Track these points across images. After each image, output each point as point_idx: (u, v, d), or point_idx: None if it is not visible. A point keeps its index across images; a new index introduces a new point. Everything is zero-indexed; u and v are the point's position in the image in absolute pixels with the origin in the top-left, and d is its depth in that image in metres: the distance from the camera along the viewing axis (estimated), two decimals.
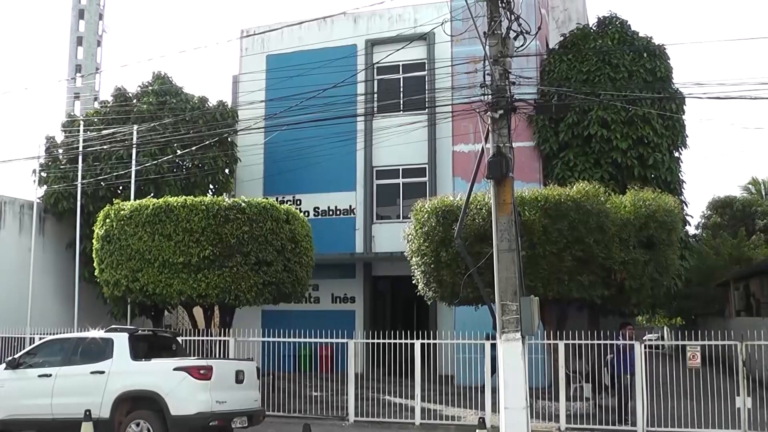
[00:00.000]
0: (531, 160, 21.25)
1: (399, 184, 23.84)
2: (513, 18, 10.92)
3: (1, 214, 22.42)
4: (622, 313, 18.52)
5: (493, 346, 13.14)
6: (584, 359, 15.62)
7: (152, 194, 19.77)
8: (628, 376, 14.68)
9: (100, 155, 21.97)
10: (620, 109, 20.09)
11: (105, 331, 12.45)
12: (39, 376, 12.08)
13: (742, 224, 40.25)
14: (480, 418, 12.10)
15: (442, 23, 14.03)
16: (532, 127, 21.44)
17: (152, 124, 21.42)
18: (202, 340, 16.80)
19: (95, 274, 17.92)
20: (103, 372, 11.59)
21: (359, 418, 15.45)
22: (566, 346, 14.70)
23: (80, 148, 21.63)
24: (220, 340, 16.65)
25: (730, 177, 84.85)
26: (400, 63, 23.45)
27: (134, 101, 24.01)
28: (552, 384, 15.67)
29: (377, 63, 22.39)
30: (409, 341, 15.27)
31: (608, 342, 14.95)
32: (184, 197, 17.11)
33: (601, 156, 20.52)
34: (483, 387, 14.79)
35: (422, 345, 15.24)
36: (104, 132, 21.68)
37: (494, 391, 13.50)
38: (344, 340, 16.21)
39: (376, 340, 16.13)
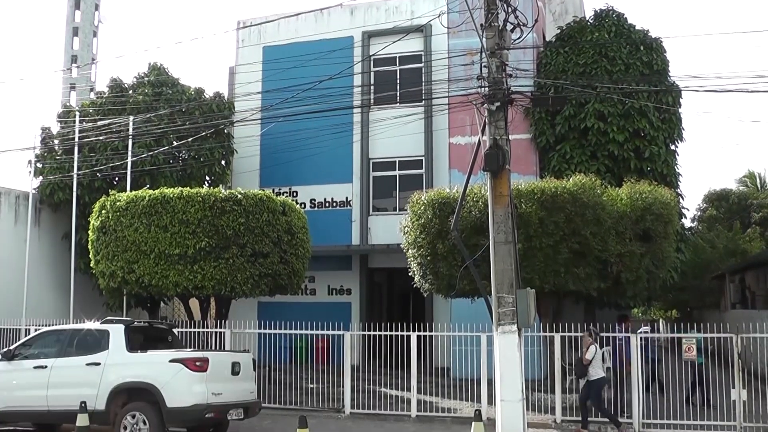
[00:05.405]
0: (528, 153, 21.23)
1: (395, 176, 23.80)
2: (510, 10, 10.91)
3: None
4: (618, 306, 18.56)
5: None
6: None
7: (148, 185, 19.73)
8: (624, 368, 14.73)
9: (95, 146, 21.91)
10: (617, 102, 20.07)
11: (101, 323, 12.41)
12: (34, 367, 12.06)
13: (737, 217, 40.36)
14: (476, 410, 12.07)
15: (439, 15, 13.95)
16: (529, 119, 21.40)
17: (148, 115, 21.38)
18: (198, 332, 16.80)
19: (91, 265, 17.89)
20: (98, 364, 11.58)
21: (355, 410, 15.47)
22: (562, 338, 14.72)
23: (76, 139, 21.57)
24: (216, 332, 16.65)
25: (726, 170, 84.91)
26: (397, 55, 23.38)
27: (130, 92, 23.91)
28: (548, 376, 15.71)
29: (374, 55, 22.31)
30: (405, 333, 15.28)
31: (604, 334, 14.97)
32: (180, 188, 17.06)
33: (597, 149, 20.51)
34: (479, 379, 14.80)
35: (418, 337, 15.26)
36: (100, 123, 21.62)
37: (490, 383, 13.51)
38: (340, 332, 16.19)
39: (372, 332, 16.10)
